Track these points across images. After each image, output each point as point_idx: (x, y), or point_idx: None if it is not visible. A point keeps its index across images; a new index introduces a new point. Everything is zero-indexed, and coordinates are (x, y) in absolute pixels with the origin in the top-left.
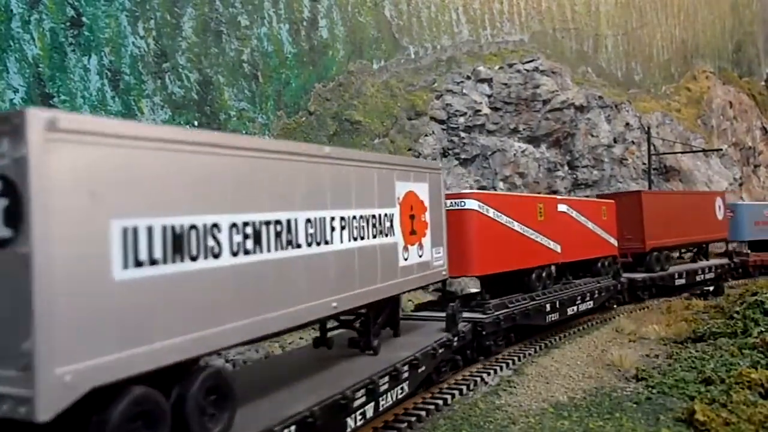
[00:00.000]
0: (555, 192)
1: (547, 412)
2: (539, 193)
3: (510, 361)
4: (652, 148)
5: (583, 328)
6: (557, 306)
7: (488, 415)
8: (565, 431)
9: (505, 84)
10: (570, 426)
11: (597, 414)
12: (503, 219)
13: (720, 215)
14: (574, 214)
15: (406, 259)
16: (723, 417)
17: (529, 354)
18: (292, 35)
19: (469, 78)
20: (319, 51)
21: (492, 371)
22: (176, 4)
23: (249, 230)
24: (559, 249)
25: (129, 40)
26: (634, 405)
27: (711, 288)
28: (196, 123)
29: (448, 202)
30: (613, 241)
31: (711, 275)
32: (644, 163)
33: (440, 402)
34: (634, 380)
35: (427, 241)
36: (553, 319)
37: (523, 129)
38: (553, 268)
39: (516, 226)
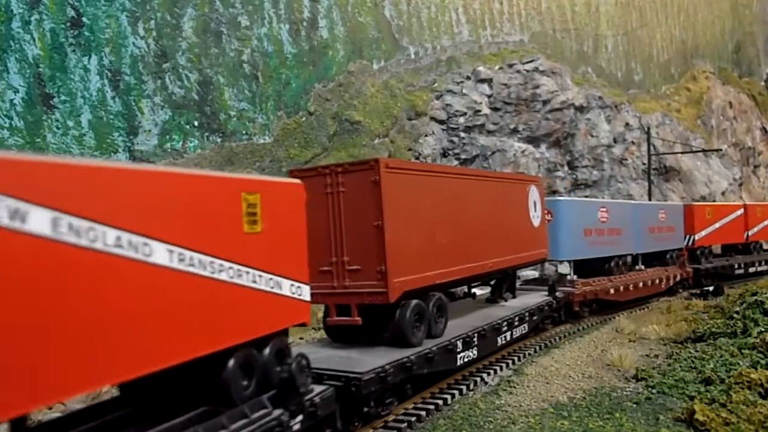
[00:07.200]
0: (555, 193)
1: (547, 412)
2: None
3: (510, 361)
4: (651, 148)
5: (583, 328)
6: None
7: (488, 415)
8: (565, 431)
9: (505, 84)
10: (570, 426)
11: (597, 414)
12: None
13: (537, 218)
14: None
15: None
16: (723, 417)
17: (529, 354)
18: (292, 35)
19: (469, 78)
20: (319, 51)
21: (492, 371)
22: (176, 4)
23: None
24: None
25: (129, 41)
26: (634, 405)
27: (711, 288)
28: (196, 123)
29: None
30: (293, 290)
31: (524, 330)
32: (644, 163)
33: (440, 402)
34: (634, 380)
35: None
36: None
37: (523, 129)
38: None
39: None
